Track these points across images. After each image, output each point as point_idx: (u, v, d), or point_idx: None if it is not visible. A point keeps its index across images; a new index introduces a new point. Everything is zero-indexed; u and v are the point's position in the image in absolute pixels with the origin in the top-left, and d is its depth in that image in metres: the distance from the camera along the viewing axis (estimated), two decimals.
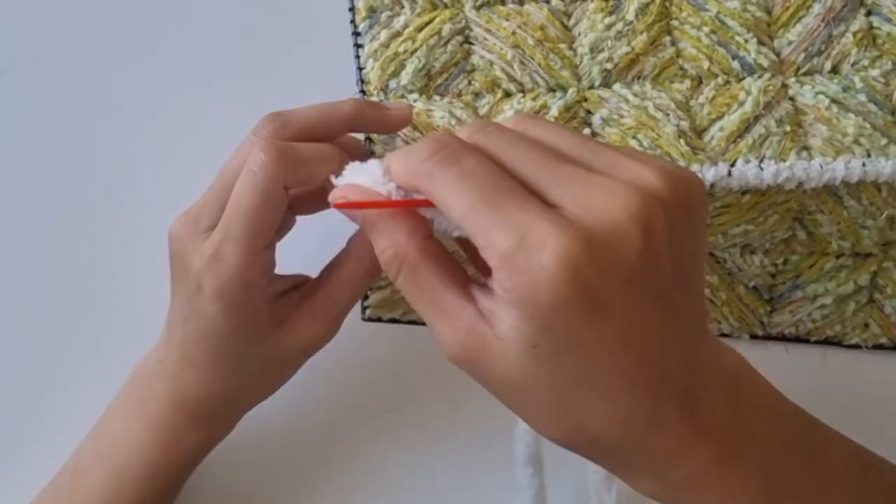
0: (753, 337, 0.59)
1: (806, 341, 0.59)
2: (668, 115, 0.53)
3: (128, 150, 0.62)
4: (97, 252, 0.61)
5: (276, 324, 0.48)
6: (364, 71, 0.55)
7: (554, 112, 0.53)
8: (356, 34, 0.56)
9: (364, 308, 0.57)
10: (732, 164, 0.52)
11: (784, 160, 0.52)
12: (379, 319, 0.58)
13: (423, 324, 0.56)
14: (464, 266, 0.40)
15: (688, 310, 0.38)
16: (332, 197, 0.42)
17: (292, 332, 0.48)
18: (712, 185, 0.52)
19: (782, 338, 0.59)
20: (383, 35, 0.55)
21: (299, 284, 0.50)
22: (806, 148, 0.53)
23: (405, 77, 0.54)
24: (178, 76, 0.63)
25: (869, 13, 0.55)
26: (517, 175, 0.37)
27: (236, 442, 0.54)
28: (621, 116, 0.53)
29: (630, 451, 0.38)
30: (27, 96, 0.63)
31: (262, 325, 0.47)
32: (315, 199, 0.49)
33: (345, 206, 0.41)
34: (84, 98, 0.63)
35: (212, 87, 0.62)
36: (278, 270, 0.49)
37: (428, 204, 0.38)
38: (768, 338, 0.59)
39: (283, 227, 0.51)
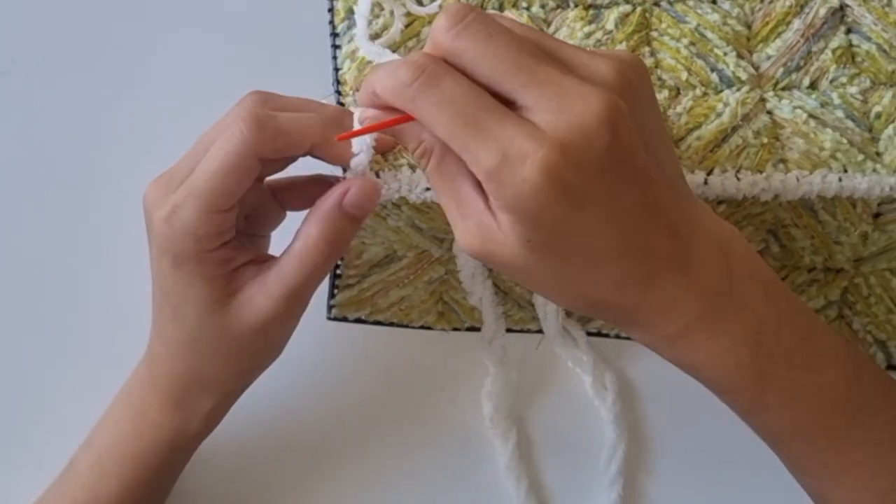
0: None
1: None
2: None
3: (128, 150, 0.62)
4: (97, 251, 0.61)
5: (231, 293, 0.47)
6: (340, 72, 0.54)
7: None
8: (334, 35, 0.55)
9: (330, 307, 0.57)
10: (709, 173, 0.52)
11: (761, 171, 0.52)
12: (345, 319, 0.57)
13: (388, 324, 0.56)
14: None
15: (664, 178, 0.42)
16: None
17: (244, 305, 0.47)
18: None
19: None
20: None
21: (260, 260, 0.49)
22: (783, 161, 0.52)
23: None
24: (177, 75, 0.63)
25: (849, 31, 0.55)
26: (492, 82, 0.40)
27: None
28: None
29: (628, 309, 0.43)
30: (27, 96, 0.63)
31: (216, 291, 0.47)
32: (304, 198, 0.49)
33: (351, 136, 0.46)
34: (84, 98, 0.63)
35: (209, 85, 0.62)
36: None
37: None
38: None
39: (273, 219, 0.52)
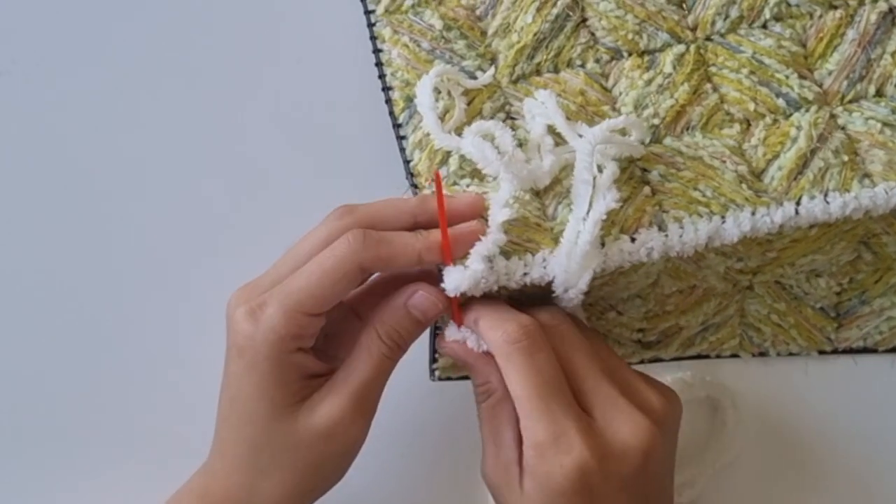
0: (822, 352, 0.60)
1: (874, 351, 0.60)
2: (724, 161, 0.53)
3: (128, 150, 0.62)
4: (96, 251, 0.61)
5: (301, 399, 0.48)
6: (412, 163, 0.54)
7: (611, 171, 0.51)
8: (397, 126, 0.55)
9: (432, 371, 0.57)
10: (798, 202, 0.51)
11: (848, 190, 0.52)
12: (448, 378, 0.57)
13: None
14: None
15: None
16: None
17: (313, 407, 0.48)
18: (781, 225, 0.51)
19: (850, 351, 0.60)
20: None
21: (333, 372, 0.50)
22: (867, 175, 0.52)
23: (454, 163, 0.53)
24: (178, 75, 0.63)
25: None
26: (568, 374, 0.47)
27: None
28: (678, 170, 0.53)
29: None
30: (27, 96, 0.63)
31: (287, 397, 0.47)
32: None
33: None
34: (84, 98, 0.63)
35: (209, 85, 0.63)
36: None
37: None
38: (836, 352, 0.60)
39: (354, 342, 0.51)
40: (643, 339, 0.59)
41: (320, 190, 0.56)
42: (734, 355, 0.61)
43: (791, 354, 0.60)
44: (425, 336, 0.54)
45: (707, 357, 0.61)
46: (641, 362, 0.60)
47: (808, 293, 0.59)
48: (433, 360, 0.57)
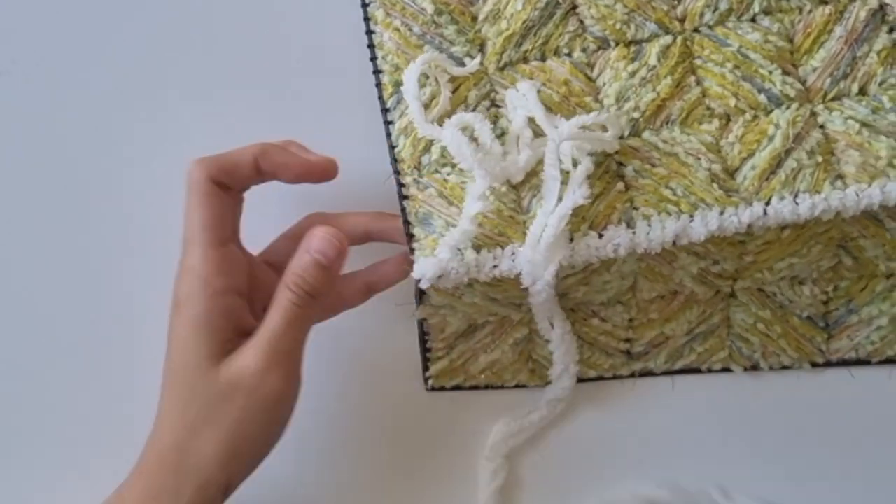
0: (814, 365, 0.60)
1: (868, 363, 0.60)
2: (699, 159, 0.54)
3: (128, 150, 0.63)
4: (96, 252, 0.62)
5: (226, 352, 0.50)
6: (396, 149, 0.56)
7: (584, 168, 0.52)
8: (385, 111, 0.57)
9: (426, 379, 0.59)
10: (767, 203, 0.52)
11: (819, 192, 0.52)
12: (443, 388, 0.60)
13: (484, 388, 0.59)
14: None
15: None
16: None
17: (230, 362, 0.49)
18: (750, 226, 0.52)
19: (844, 363, 0.60)
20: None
21: None
22: (840, 176, 0.53)
23: (436, 152, 0.55)
24: (179, 76, 0.64)
25: (891, 30, 0.55)
26: None
27: None
28: (653, 166, 0.54)
29: None
30: (27, 96, 0.64)
31: (214, 346, 0.49)
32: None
33: None
34: (84, 98, 0.64)
35: (210, 90, 0.64)
36: None
37: None
38: (829, 364, 0.60)
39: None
40: (631, 349, 0.60)
41: (320, 189, 0.57)
42: (725, 369, 0.61)
43: (783, 367, 0.60)
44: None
45: (699, 371, 0.61)
46: (632, 375, 0.61)
47: (792, 301, 0.59)
48: (425, 367, 0.60)
